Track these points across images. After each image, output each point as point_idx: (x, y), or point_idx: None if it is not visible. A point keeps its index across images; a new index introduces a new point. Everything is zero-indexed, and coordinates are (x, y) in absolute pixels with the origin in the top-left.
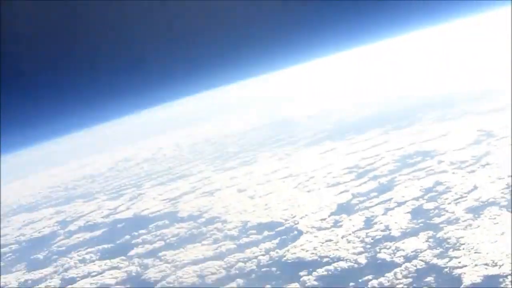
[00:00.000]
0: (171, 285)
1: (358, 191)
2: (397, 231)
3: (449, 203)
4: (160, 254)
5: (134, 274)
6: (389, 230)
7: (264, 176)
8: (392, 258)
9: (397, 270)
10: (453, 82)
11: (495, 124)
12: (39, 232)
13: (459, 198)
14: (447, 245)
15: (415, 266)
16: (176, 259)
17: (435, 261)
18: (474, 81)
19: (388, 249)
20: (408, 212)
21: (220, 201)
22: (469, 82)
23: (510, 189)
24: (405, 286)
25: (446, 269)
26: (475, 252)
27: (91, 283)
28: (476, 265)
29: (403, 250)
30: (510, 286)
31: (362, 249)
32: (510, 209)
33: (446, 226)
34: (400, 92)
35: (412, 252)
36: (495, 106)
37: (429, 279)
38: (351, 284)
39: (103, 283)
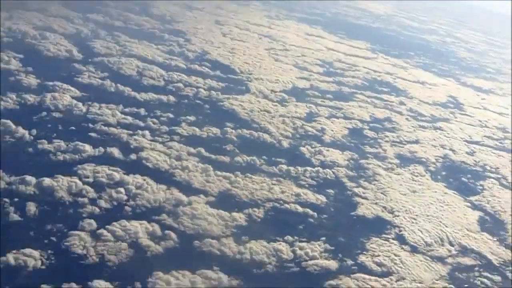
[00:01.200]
0: None
1: (318, 85)
2: (329, 138)
3: (387, 141)
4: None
5: None
6: (323, 133)
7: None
8: (310, 157)
9: (309, 168)
10: None
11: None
12: None
13: (398, 142)
14: (362, 174)
15: (326, 174)
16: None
17: (344, 179)
18: None
19: (312, 147)
20: (348, 128)
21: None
22: None
23: (442, 161)
24: (308, 184)
25: (348, 191)
26: (381, 193)
27: None
28: (376, 203)
29: (324, 156)
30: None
31: (290, 135)
32: (430, 174)
33: (371, 158)
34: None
35: (330, 161)
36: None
37: (330, 191)
38: (264, 157)
39: None
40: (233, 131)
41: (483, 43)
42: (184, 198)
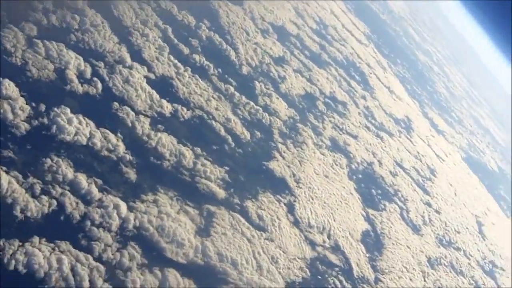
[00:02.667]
0: None
1: (304, 38)
2: (285, 89)
3: (331, 122)
4: None
5: None
6: (283, 81)
7: None
8: (259, 94)
9: (252, 103)
10: None
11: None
12: None
13: (339, 128)
14: (293, 135)
15: (262, 118)
16: None
17: (275, 131)
18: None
19: (265, 88)
20: (306, 90)
21: None
22: None
23: (366, 166)
24: (242, 116)
25: (272, 143)
26: (299, 161)
27: None
28: (288, 167)
29: (271, 101)
30: None
31: (253, 65)
32: (348, 171)
33: (309, 128)
34: None
35: (273, 109)
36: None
37: (257, 133)
38: (219, 69)
39: None
40: (207, 30)
41: (463, 90)
42: (128, 60)
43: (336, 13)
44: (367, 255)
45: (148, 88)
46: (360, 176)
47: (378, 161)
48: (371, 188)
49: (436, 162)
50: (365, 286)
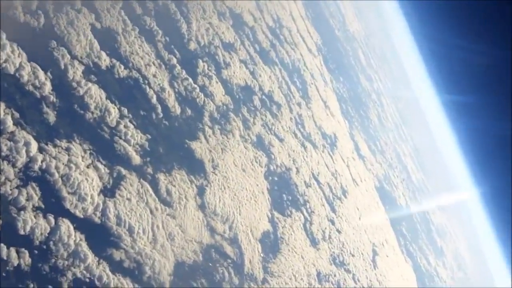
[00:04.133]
0: None
1: (258, 32)
2: (226, 75)
3: (262, 119)
4: None
5: None
6: (226, 67)
7: None
8: (199, 74)
9: (191, 80)
10: None
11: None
12: None
13: (268, 128)
14: (222, 122)
15: (197, 97)
16: None
17: (206, 114)
18: None
19: (208, 69)
20: (246, 83)
21: None
22: None
23: (284, 170)
24: (177, 90)
25: (199, 124)
26: (221, 148)
27: None
28: (210, 151)
29: (210, 84)
30: None
31: (201, 44)
32: (266, 170)
33: (239, 119)
34: None
35: (210, 91)
36: None
37: (188, 111)
38: (166, 38)
39: None
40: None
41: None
42: (78, 3)
43: (294, 16)
44: (262, 255)
45: (91, 36)
46: (276, 178)
47: (297, 168)
48: (283, 193)
49: (350, 184)
50: (251, 284)
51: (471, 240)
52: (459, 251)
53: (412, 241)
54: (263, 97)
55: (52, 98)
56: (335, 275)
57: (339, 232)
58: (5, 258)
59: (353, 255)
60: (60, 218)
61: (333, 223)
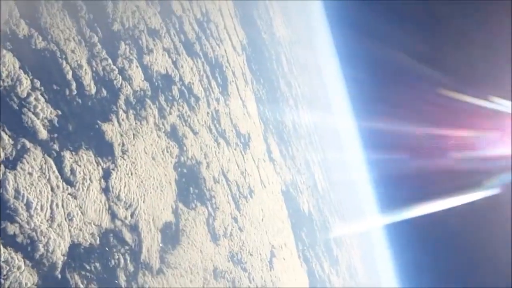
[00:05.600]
0: None
1: (185, 23)
2: (147, 61)
3: (179, 110)
4: None
5: None
6: (148, 54)
7: None
8: (120, 56)
9: (110, 61)
10: None
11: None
12: None
13: (184, 119)
14: (138, 108)
15: (114, 79)
16: None
17: (121, 98)
18: None
19: (129, 52)
20: (167, 71)
21: None
22: None
23: (194, 163)
24: (95, 69)
25: (113, 107)
26: (132, 134)
27: None
28: (121, 135)
29: (129, 67)
30: None
31: (126, 26)
32: (176, 161)
33: (155, 107)
34: None
35: (128, 75)
36: None
37: (103, 93)
38: (91, 15)
39: None
40: None
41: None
42: None
43: (223, 13)
44: (161, 245)
45: (12, 3)
46: (185, 170)
47: (207, 163)
48: (190, 185)
49: (258, 185)
50: (146, 272)
51: (366, 251)
52: (353, 261)
53: (310, 247)
54: (183, 88)
55: None
56: (231, 272)
57: (241, 230)
58: None
59: (251, 255)
60: None
61: (236, 221)
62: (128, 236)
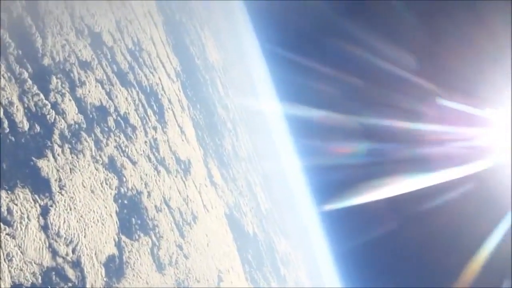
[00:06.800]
0: None
1: (116, 53)
2: (81, 93)
3: (115, 141)
4: None
5: None
6: (81, 86)
7: None
8: (52, 90)
9: (42, 96)
10: None
11: (199, 174)
12: None
13: (122, 150)
14: (73, 142)
15: (48, 113)
16: None
17: (56, 131)
18: None
19: (61, 85)
20: (101, 102)
21: None
22: None
23: (134, 193)
24: (27, 106)
25: (48, 142)
26: (69, 168)
27: None
28: (57, 170)
29: (62, 101)
30: None
31: (57, 60)
32: (116, 193)
33: (91, 140)
34: None
35: (62, 109)
36: None
37: (37, 128)
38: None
39: None
40: (20, 9)
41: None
42: None
43: (155, 41)
44: (105, 279)
45: None
46: (125, 201)
47: (148, 192)
48: (132, 216)
49: (201, 210)
50: None
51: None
52: (300, 279)
53: (257, 268)
54: (118, 118)
55: None
56: None
57: (186, 257)
58: None
59: (198, 281)
60: None
61: (181, 248)
62: (70, 272)
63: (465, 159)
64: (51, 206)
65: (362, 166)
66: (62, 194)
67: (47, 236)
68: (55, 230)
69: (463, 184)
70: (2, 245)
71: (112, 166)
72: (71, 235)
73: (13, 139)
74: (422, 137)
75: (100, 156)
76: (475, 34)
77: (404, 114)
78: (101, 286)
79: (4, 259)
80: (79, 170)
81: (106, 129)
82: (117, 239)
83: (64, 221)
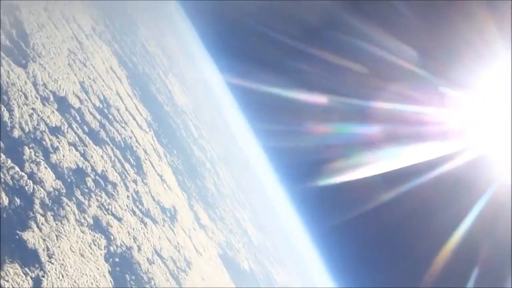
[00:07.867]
0: None
1: (85, 113)
2: (56, 160)
3: (98, 200)
4: None
5: None
6: (55, 152)
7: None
8: (26, 161)
9: (17, 168)
10: None
11: (186, 219)
12: None
13: (105, 208)
14: (55, 208)
15: (26, 185)
16: None
17: (37, 201)
18: None
19: (35, 155)
20: (77, 165)
21: None
22: None
23: (124, 250)
24: (4, 181)
25: (31, 213)
26: (55, 236)
27: None
28: (44, 239)
29: (38, 170)
30: None
31: (26, 130)
32: (106, 253)
33: (73, 203)
34: None
35: (39, 178)
36: None
37: (17, 201)
38: None
39: None
40: None
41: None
42: None
43: (121, 95)
44: None
45: None
46: (117, 259)
47: (138, 246)
48: (125, 273)
49: (194, 255)
50: None
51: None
52: None
53: None
54: (97, 177)
55: None
56: None
57: None
58: None
59: None
60: None
61: None
62: None
63: (439, 140)
64: (43, 276)
65: (334, 147)
66: (52, 263)
67: None
68: None
69: (437, 166)
70: None
71: (98, 226)
72: None
73: None
74: (396, 117)
75: (84, 218)
76: (448, 15)
77: (377, 93)
78: None
79: None
80: (66, 236)
81: (86, 190)
82: None
83: None
